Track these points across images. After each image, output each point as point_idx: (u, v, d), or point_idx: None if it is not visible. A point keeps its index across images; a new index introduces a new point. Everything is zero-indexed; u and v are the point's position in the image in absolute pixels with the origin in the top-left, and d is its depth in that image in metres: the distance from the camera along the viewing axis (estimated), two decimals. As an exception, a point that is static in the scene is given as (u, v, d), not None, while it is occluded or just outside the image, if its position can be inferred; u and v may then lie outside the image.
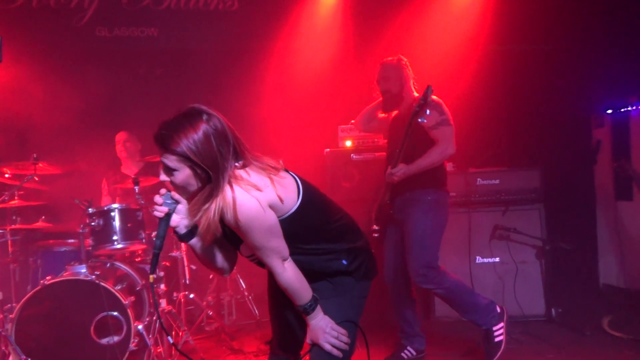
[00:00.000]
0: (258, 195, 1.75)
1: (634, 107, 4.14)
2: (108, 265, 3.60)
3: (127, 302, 3.30)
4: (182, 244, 3.88)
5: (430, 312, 4.14)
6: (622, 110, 4.26)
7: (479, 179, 4.15)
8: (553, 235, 4.32)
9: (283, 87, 4.90)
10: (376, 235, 3.37)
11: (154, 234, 3.67)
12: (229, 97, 4.35)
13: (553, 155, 4.39)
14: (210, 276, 4.23)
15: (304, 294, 1.89)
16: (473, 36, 4.60)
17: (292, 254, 1.88)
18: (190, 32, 4.95)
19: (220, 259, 1.96)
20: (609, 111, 4.40)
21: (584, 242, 4.54)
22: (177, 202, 1.82)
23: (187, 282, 3.84)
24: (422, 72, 4.65)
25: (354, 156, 4.20)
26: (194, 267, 3.93)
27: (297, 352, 2.15)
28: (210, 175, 1.74)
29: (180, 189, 1.80)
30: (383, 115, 3.55)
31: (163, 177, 1.79)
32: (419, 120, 3.01)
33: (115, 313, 3.27)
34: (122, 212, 3.58)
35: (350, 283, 1.99)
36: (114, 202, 4.16)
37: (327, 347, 1.89)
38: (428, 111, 2.97)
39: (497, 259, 4.07)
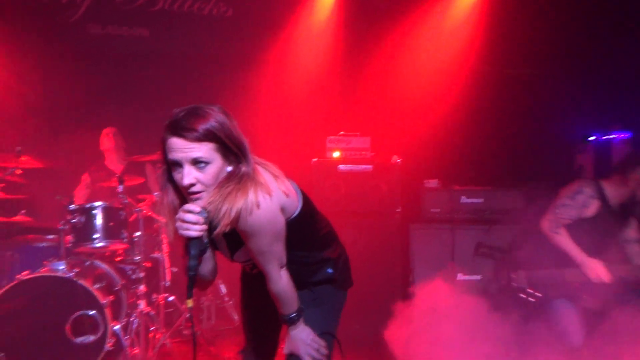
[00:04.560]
0: (272, 196, 1.67)
1: (615, 136, 4.26)
2: (87, 263, 3.54)
3: (105, 301, 3.25)
4: (164, 245, 3.85)
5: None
6: (604, 138, 4.38)
7: (463, 197, 4.18)
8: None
9: (274, 95, 4.91)
10: None
11: (135, 234, 3.65)
12: (217, 102, 4.34)
13: (536, 178, 4.47)
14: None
15: (293, 303, 1.85)
16: (462, 56, 4.69)
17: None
18: (182, 35, 4.95)
19: (213, 271, 1.84)
20: (592, 138, 4.51)
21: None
22: (209, 214, 1.62)
23: (168, 284, 3.80)
24: (411, 87, 4.76)
25: (341, 167, 4.21)
26: (175, 269, 3.89)
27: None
28: (241, 158, 1.63)
29: (208, 187, 1.62)
30: None
31: (189, 179, 1.57)
32: None
33: (92, 312, 3.21)
34: (105, 210, 3.52)
35: (331, 292, 1.98)
36: (95, 199, 4.04)
37: (307, 359, 1.86)
38: None
39: (479, 277, 4.10)
